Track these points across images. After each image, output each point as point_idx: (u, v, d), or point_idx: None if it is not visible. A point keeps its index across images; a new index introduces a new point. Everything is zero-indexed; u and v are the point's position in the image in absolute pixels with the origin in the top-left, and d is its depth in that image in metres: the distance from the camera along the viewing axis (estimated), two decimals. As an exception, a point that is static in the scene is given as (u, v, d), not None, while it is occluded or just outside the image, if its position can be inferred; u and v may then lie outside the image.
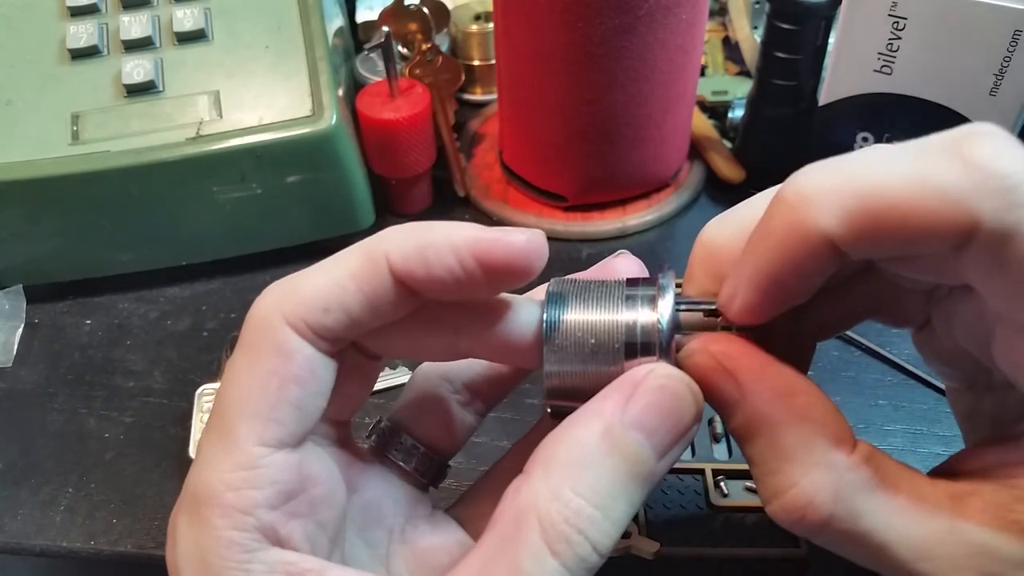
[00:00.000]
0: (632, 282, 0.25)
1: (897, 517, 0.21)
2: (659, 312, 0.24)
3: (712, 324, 0.25)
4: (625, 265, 0.27)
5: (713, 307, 0.25)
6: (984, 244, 0.19)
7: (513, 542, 0.21)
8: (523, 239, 0.23)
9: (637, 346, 0.24)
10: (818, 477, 0.21)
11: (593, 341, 0.24)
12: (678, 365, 0.24)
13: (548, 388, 0.25)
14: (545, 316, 0.24)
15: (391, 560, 0.27)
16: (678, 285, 0.25)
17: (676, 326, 0.24)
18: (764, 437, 0.22)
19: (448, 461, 0.30)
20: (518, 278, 0.24)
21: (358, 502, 0.27)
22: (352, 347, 0.25)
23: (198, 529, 0.22)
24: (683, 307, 0.25)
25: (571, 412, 0.24)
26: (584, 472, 0.22)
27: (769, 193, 0.25)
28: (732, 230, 0.25)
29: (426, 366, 0.30)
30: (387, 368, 0.43)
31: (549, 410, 0.25)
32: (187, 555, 0.22)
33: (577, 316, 0.24)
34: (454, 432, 0.29)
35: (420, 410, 0.29)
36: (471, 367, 0.29)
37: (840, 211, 0.20)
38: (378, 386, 0.42)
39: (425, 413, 0.29)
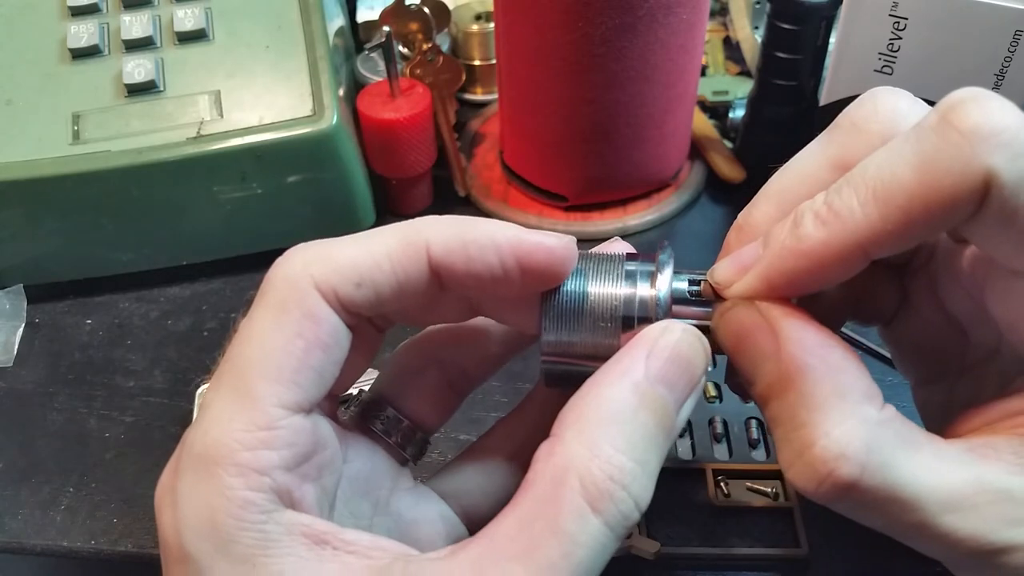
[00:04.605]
0: (632, 257, 0.26)
1: (924, 469, 0.21)
2: (658, 287, 0.24)
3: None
4: (618, 251, 0.28)
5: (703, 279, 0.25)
6: (997, 198, 0.20)
7: (551, 503, 0.21)
8: (562, 244, 0.24)
9: (635, 319, 0.24)
10: (852, 427, 0.21)
11: (592, 311, 0.25)
12: (714, 320, 0.25)
13: (545, 350, 0.25)
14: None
15: (374, 531, 0.27)
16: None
17: (673, 301, 0.25)
18: (796, 390, 0.22)
19: (430, 437, 0.30)
20: (549, 282, 0.24)
21: (346, 472, 0.27)
22: (364, 319, 0.25)
23: (207, 488, 0.21)
24: (680, 281, 0.26)
25: (567, 379, 0.25)
26: (620, 427, 0.22)
27: (805, 158, 0.25)
28: (766, 206, 0.26)
29: (410, 341, 0.30)
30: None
31: (544, 370, 0.26)
32: (193, 516, 0.21)
33: (578, 286, 0.25)
34: (437, 408, 0.30)
35: (403, 384, 0.29)
36: (457, 344, 0.29)
37: (878, 219, 0.21)
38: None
39: (408, 387, 0.29)
